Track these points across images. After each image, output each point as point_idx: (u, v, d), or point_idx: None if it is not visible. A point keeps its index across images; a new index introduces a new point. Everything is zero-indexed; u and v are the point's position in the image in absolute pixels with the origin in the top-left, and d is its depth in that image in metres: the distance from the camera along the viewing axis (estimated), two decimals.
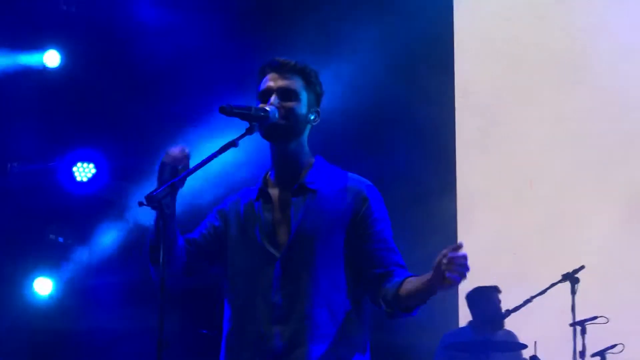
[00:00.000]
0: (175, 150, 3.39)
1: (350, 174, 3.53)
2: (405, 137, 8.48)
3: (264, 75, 3.51)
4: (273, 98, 3.44)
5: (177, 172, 3.31)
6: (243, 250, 3.48)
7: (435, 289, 3.11)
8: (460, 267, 2.99)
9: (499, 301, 7.50)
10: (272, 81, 3.47)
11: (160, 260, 3.15)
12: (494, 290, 7.53)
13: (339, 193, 3.44)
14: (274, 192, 3.50)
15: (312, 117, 3.51)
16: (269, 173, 3.54)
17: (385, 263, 3.39)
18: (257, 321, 3.38)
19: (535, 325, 7.39)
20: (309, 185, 3.44)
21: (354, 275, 3.41)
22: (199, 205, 5.33)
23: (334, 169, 3.55)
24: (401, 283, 3.29)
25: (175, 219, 3.37)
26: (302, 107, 3.47)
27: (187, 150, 3.40)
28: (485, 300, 7.54)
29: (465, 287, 7.81)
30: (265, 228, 3.44)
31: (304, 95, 3.48)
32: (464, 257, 3.00)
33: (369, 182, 3.51)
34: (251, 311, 3.41)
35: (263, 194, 3.51)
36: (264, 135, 3.43)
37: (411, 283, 3.27)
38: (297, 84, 3.46)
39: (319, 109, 3.55)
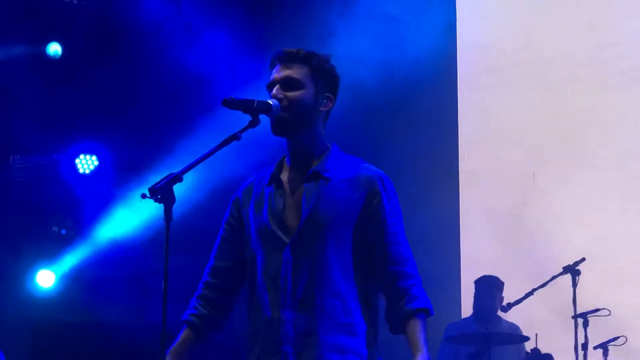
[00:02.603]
0: None
1: (364, 164, 3.49)
2: (408, 131, 8.50)
3: (272, 67, 3.49)
4: (276, 89, 3.42)
5: None
6: (256, 235, 3.47)
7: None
8: None
9: (499, 299, 7.50)
10: (277, 72, 3.46)
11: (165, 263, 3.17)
12: (495, 288, 7.54)
13: (351, 182, 3.41)
14: (286, 177, 3.48)
15: (324, 103, 3.47)
16: (285, 158, 3.53)
17: (397, 260, 3.38)
18: (268, 307, 3.38)
19: (537, 318, 7.40)
20: (323, 173, 3.42)
21: (364, 266, 3.40)
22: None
23: (348, 157, 3.52)
24: (409, 320, 3.35)
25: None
26: (308, 95, 3.43)
27: None
28: (485, 294, 7.55)
29: (469, 278, 7.83)
30: (275, 213, 3.42)
31: (309, 83, 3.43)
32: None
33: (382, 173, 3.47)
34: (263, 296, 3.40)
35: (275, 179, 3.49)
36: (273, 132, 3.42)
37: (412, 336, 3.35)
38: (301, 72, 3.43)
39: (331, 95, 3.50)
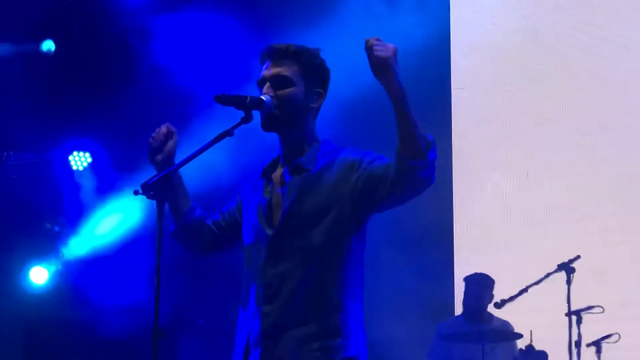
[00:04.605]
0: (160, 132, 3.53)
1: (347, 149, 3.47)
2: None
3: (262, 62, 3.48)
4: (266, 87, 3.42)
5: (167, 153, 3.52)
6: (246, 228, 3.51)
7: (389, 88, 3.21)
8: (378, 45, 3.15)
9: (487, 297, 7.48)
10: (266, 70, 3.45)
11: (159, 242, 3.18)
12: (484, 286, 7.52)
13: (329, 167, 3.39)
14: (276, 172, 3.50)
15: (314, 99, 3.46)
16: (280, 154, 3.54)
17: (385, 165, 3.33)
18: (254, 299, 3.39)
19: (530, 315, 7.40)
20: (304, 165, 3.42)
21: (352, 252, 3.36)
22: None
23: (337, 148, 3.49)
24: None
25: (188, 197, 3.64)
26: (298, 93, 3.42)
27: (172, 128, 3.55)
28: (474, 294, 7.53)
29: (463, 276, 7.81)
30: (263, 208, 3.44)
31: (299, 81, 3.43)
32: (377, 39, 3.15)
33: (361, 150, 3.43)
34: (250, 290, 3.42)
35: (266, 174, 3.51)
36: (263, 128, 3.42)
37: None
38: (291, 69, 3.42)
39: (322, 90, 3.48)
